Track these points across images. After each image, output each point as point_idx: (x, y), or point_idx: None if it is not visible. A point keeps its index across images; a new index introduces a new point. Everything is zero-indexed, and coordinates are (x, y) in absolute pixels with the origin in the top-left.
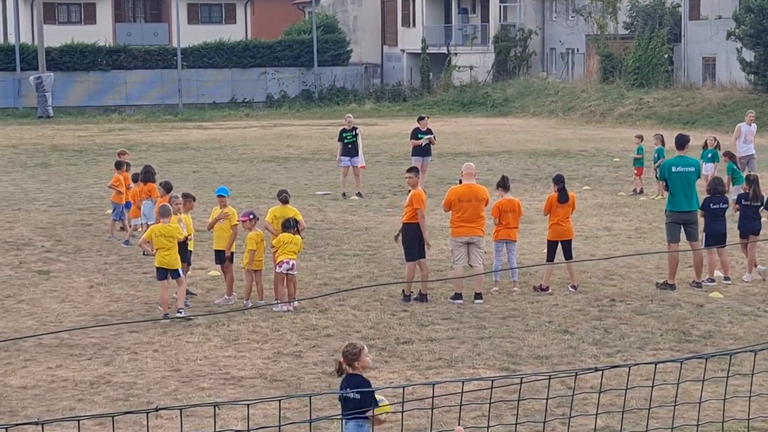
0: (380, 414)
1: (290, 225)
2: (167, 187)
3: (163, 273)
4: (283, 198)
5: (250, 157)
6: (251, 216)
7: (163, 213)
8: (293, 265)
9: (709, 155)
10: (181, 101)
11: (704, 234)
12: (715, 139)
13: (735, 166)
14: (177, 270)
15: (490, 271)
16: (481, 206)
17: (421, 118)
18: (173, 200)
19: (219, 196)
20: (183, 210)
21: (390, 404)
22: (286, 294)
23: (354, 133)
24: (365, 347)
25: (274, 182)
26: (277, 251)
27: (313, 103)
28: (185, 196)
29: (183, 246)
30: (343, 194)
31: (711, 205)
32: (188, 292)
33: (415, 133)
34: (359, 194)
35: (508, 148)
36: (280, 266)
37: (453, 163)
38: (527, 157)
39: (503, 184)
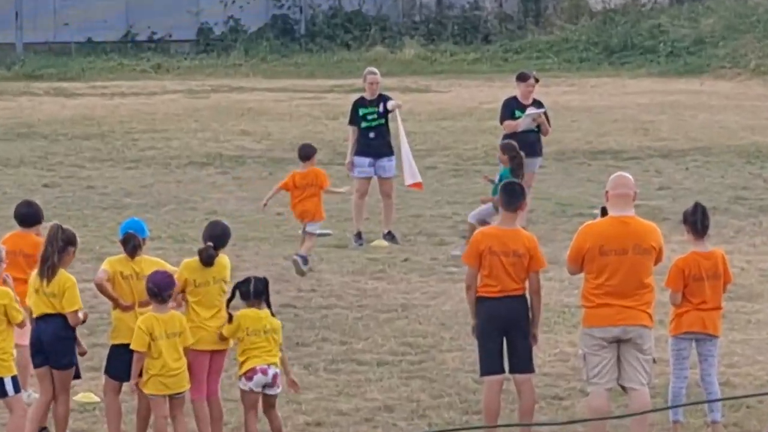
0: None
1: (252, 291)
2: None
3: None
4: (207, 257)
5: (164, 156)
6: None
7: None
8: (276, 376)
9: None
10: (19, 39)
11: None
12: None
13: None
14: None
15: (665, 408)
16: (645, 264)
17: (523, 78)
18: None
19: (125, 235)
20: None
21: None
22: None
23: (381, 108)
24: None
25: (210, 209)
26: (241, 349)
27: (296, 43)
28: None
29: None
30: (358, 235)
31: None
32: None
33: (511, 108)
34: (389, 236)
35: (703, 141)
36: (250, 378)
37: (585, 172)
38: (747, 161)
39: (693, 221)
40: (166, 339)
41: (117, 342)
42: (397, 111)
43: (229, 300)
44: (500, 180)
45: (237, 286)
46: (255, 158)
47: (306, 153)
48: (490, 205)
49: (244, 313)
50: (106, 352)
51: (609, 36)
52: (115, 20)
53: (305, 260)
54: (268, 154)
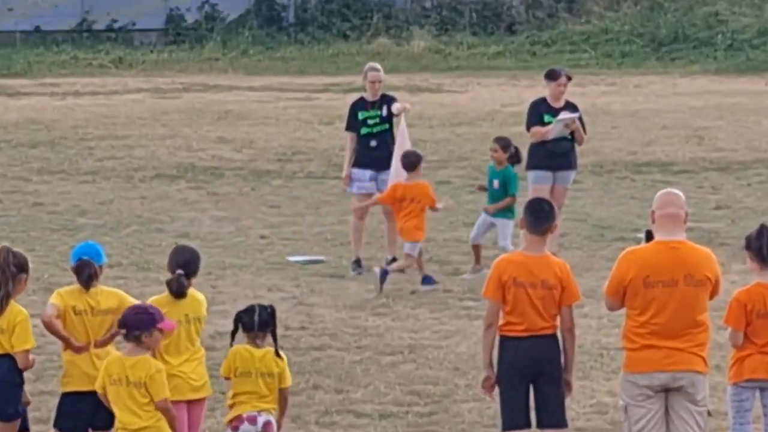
0: None
1: (257, 322)
2: None
3: None
4: (179, 287)
5: (126, 167)
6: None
7: None
8: (268, 425)
9: None
10: None
11: None
12: None
13: None
14: None
15: None
16: (698, 298)
17: (553, 76)
18: None
19: (78, 263)
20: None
21: None
22: None
23: (385, 111)
24: None
25: (181, 231)
26: (231, 392)
27: (283, 34)
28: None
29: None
30: (357, 262)
31: None
32: None
33: (539, 112)
34: (394, 262)
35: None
36: (235, 429)
37: (627, 188)
38: None
39: (758, 247)
40: (125, 386)
41: (69, 389)
42: (402, 116)
43: (233, 333)
44: (492, 180)
45: (239, 316)
46: (234, 170)
47: (412, 161)
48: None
49: (235, 350)
50: (55, 401)
51: (656, 26)
52: (69, 6)
53: (384, 275)
54: (250, 166)
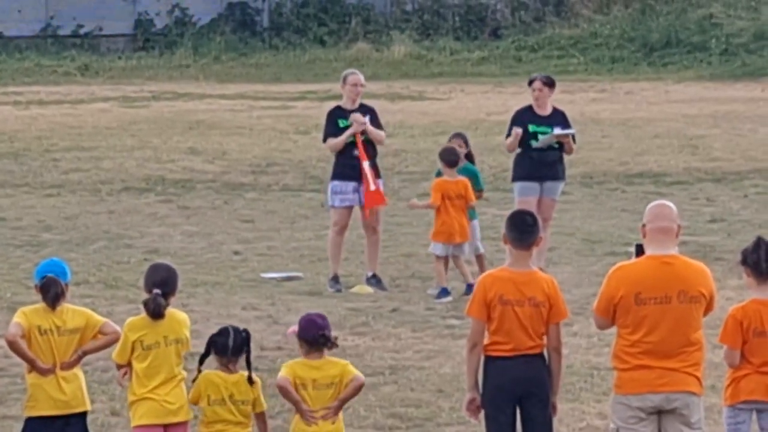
0: None
1: (231, 346)
2: None
3: None
4: (156, 307)
5: (93, 180)
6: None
7: None
8: None
9: None
10: None
11: None
12: None
13: None
14: None
15: None
16: (692, 315)
17: (529, 82)
18: None
19: (44, 280)
20: None
21: None
22: None
23: (367, 119)
24: None
25: (150, 246)
26: (204, 421)
27: (257, 39)
28: None
29: None
30: (335, 278)
31: None
32: None
33: (522, 121)
34: (375, 279)
35: (765, 162)
36: None
37: (618, 200)
38: None
39: (754, 261)
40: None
41: (34, 414)
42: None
43: (203, 356)
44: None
45: (212, 340)
46: (206, 183)
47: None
48: None
49: (206, 376)
50: (20, 426)
51: (648, 30)
52: (32, 10)
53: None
54: (223, 178)
